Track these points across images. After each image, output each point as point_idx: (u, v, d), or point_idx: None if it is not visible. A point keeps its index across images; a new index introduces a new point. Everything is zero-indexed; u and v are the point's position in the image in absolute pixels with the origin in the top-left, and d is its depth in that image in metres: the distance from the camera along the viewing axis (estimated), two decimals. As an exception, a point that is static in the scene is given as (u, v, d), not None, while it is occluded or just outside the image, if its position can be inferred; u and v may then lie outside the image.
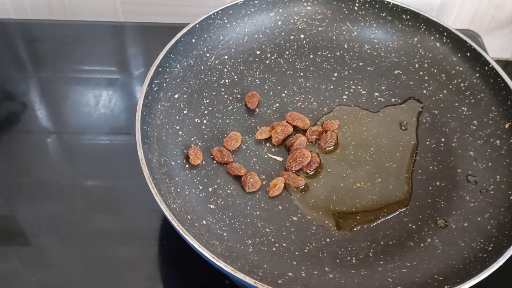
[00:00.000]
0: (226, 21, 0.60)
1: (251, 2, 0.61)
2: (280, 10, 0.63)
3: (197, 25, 0.58)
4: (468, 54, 0.59)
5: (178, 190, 0.50)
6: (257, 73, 0.61)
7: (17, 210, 0.56)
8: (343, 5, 0.63)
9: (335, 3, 0.63)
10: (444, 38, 0.60)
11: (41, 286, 0.51)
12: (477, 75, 0.58)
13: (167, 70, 0.56)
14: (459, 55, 0.59)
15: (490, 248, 0.47)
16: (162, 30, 0.74)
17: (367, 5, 0.62)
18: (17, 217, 0.55)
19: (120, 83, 0.67)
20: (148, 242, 0.54)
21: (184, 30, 0.57)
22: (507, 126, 0.54)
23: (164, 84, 0.55)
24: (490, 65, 0.57)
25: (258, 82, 0.60)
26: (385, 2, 0.61)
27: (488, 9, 0.78)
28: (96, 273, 0.52)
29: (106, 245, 0.54)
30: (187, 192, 0.51)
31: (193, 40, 0.58)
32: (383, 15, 0.62)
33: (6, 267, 0.52)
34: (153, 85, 0.54)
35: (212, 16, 0.59)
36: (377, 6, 0.62)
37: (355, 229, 0.51)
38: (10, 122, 0.63)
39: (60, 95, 0.66)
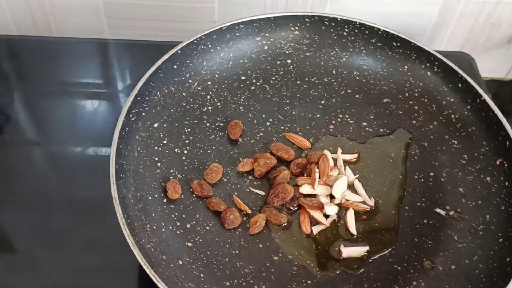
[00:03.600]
0: (210, 46, 0.58)
1: (236, 27, 0.59)
2: (267, 35, 0.61)
3: (179, 51, 0.56)
4: (460, 85, 0.57)
5: (154, 227, 0.48)
6: (242, 99, 0.59)
7: (1, 220, 0.55)
8: (332, 30, 0.61)
9: (323, 28, 0.61)
10: (435, 67, 0.58)
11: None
12: (468, 107, 0.56)
13: (147, 98, 0.54)
14: (450, 85, 0.57)
15: (478, 295, 0.45)
16: (149, 47, 0.73)
17: (356, 31, 0.60)
18: (2, 227, 0.55)
19: (105, 97, 0.67)
20: (132, 253, 0.52)
21: (165, 57, 0.55)
22: (498, 162, 0.53)
23: (143, 113, 0.53)
24: (482, 98, 0.55)
25: (242, 110, 0.58)
26: (375, 28, 0.60)
27: (484, 29, 0.77)
28: (83, 281, 0.51)
29: (91, 255, 0.53)
30: (163, 229, 0.49)
31: (175, 67, 0.56)
32: (373, 41, 0.60)
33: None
34: (131, 115, 0.52)
35: (195, 41, 0.57)
36: (367, 32, 0.60)
37: (337, 271, 0.49)
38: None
39: (45, 108, 0.65)
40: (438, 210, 0.52)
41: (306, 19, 0.61)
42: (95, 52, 0.73)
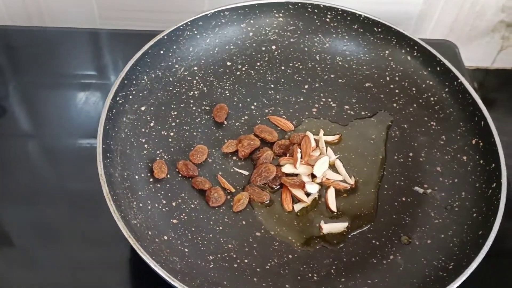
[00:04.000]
0: (195, 32, 0.60)
1: (222, 14, 0.60)
2: (252, 21, 0.62)
3: (165, 37, 0.58)
4: (438, 68, 0.58)
5: (140, 205, 0.50)
6: (227, 84, 0.60)
7: None
8: (315, 17, 0.63)
9: (307, 14, 0.62)
10: (415, 51, 0.60)
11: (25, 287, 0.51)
12: (446, 89, 0.58)
13: (134, 82, 0.55)
14: (429, 69, 0.59)
15: (451, 267, 0.47)
16: (140, 36, 0.74)
17: (339, 17, 0.62)
18: None
19: (98, 87, 0.68)
20: (128, 245, 0.53)
21: (152, 42, 0.57)
22: (473, 142, 0.54)
23: (130, 97, 0.55)
24: (459, 80, 0.56)
25: (227, 94, 0.60)
26: (357, 14, 0.61)
27: (468, 18, 0.78)
28: (79, 275, 0.52)
29: (88, 248, 0.54)
30: (149, 207, 0.50)
31: (161, 52, 0.58)
32: (355, 27, 0.62)
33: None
34: (118, 98, 0.53)
35: (181, 27, 0.59)
36: (349, 18, 0.62)
37: (318, 246, 0.50)
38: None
39: (38, 99, 0.66)
40: (416, 188, 0.54)
41: (290, 6, 0.62)
42: (87, 42, 0.74)
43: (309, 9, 0.62)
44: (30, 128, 0.64)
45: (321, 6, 0.62)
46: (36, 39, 0.72)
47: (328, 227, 0.51)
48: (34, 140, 0.63)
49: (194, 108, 0.58)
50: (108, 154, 0.50)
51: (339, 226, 0.51)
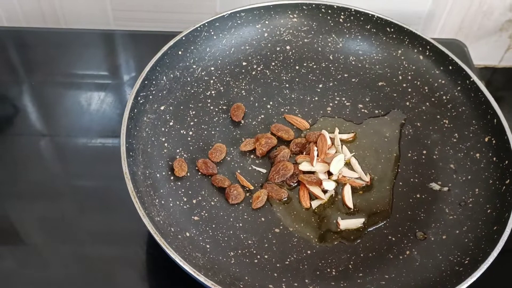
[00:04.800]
0: (212, 33, 0.61)
1: (238, 15, 0.62)
2: (267, 22, 0.63)
3: (184, 38, 0.59)
4: (450, 67, 0.59)
5: (163, 202, 0.51)
6: (243, 84, 0.62)
7: (10, 211, 0.57)
8: (328, 17, 0.64)
9: (320, 15, 0.64)
10: (427, 51, 0.61)
11: (35, 285, 0.52)
12: (459, 88, 0.59)
13: (153, 82, 0.57)
14: (441, 68, 0.60)
15: (467, 261, 0.48)
16: (153, 37, 0.75)
17: (352, 18, 0.63)
18: (10, 217, 0.57)
19: (112, 87, 0.69)
20: (138, 242, 0.55)
21: (171, 43, 0.58)
22: (486, 139, 0.55)
23: (150, 97, 0.56)
24: (471, 79, 0.57)
25: (244, 94, 0.61)
26: (370, 15, 0.62)
27: (476, 17, 0.79)
28: (88, 272, 0.53)
29: (98, 245, 0.55)
30: (171, 204, 0.52)
31: (180, 53, 0.59)
32: (368, 27, 0.63)
33: (1, 266, 0.53)
34: (139, 98, 0.54)
35: (199, 28, 0.60)
36: (362, 18, 0.63)
37: (335, 242, 0.52)
38: (3, 125, 0.64)
39: (52, 99, 0.67)
40: (432, 184, 0.55)
41: (304, 7, 0.63)
42: (101, 43, 0.75)
43: (322, 9, 0.63)
44: (43, 127, 0.65)
45: (335, 6, 0.63)
46: (50, 40, 0.74)
47: (345, 223, 0.53)
48: (47, 139, 0.64)
49: (211, 107, 0.60)
50: (131, 153, 0.51)
51: (355, 222, 0.53)
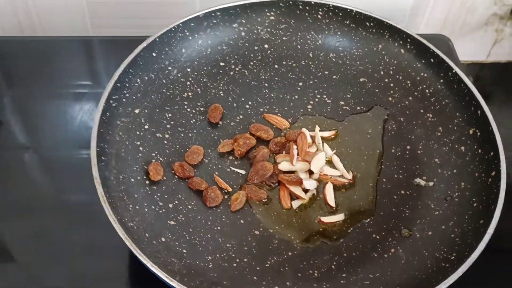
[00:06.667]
0: (187, 33, 0.60)
1: (213, 14, 0.60)
2: (243, 21, 0.62)
3: (157, 39, 0.57)
4: (432, 60, 0.58)
5: (137, 207, 0.49)
6: (221, 85, 0.60)
7: None
8: (306, 14, 0.62)
9: (298, 12, 0.62)
10: (408, 44, 0.60)
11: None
12: (441, 81, 0.57)
13: (127, 85, 0.55)
14: (423, 61, 0.59)
15: (453, 257, 0.47)
16: (134, 42, 0.73)
17: (330, 13, 0.62)
18: None
19: (93, 95, 0.67)
20: (127, 255, 0.53)
21: (144, 44, 0.56)
22: (471, 132, 0.54)
23: (124, 100, 0.55)
24: (454, 71, 0.56)
25: (222, 94, 0.60)
26: (348, 10, 0.61)
27: (460, 13, 0.78)
28: (79, 286, 0.52)
29: (87, 259, 0.53)
30: (146, 209, 0.50)
31: (154, 54, 0.58)
32: (347, 22, 0.62)
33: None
34: (111, 101, 0.53)
35: (173, 29, 0.58)
36: (340, 14, 0.61)
37: (317, 242, 0.50)
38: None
39: (34, 110, 0.65)
40: (417, 180, 0.54)
41: (281, 4, 0.62)
42: (80, 51, 0.74)
43: (300, 6, 0.62)
44: (26, 139, 0.64)
45: (312, 3, 0.61)
46: (29, 50, 0.72)
47: (327, 219, 0.51)
48: (31, 151, 0.62)
49: (188, 109, 0.58)
50: (102, 157, 0.49)
51: (337, 218, 0.51)
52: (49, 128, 0.64)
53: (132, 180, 0.51)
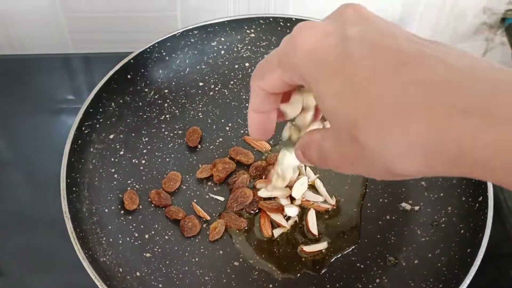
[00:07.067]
0: (164, 53, 0.58)
1: (190, 33, 0.58)
2: (222, 39, 0.60)
3: (132, 60, 0.56)
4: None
5: (111, 240, 0.48)
6: (200, 106, 0.58)
7: None
8: (288, 31, 0.59)
9: (279, 28, 0.60)
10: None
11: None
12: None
13: (100, 110, 0.53)
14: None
15: (439, 288, 0.45)
16: (116, 58, 0.72)
17: (312, 30, 0.59)
18: None
19: (75, 112, 0.65)
20: None
21: (117, 67, 0.54)
22: (458, 153, 0.52)
23: (97, 125, 0.53)
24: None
25: (200, 116, 0.58)
26: (331, 26, 0.59)
27: (449, 21, 0.76)
28: None
29: (75, 273, 0.50)
30: (120, 241, 0.48)
31: (129, 76, 0.56)
32: (330, 39, 0.59)
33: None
34: (83, 128, 0.51)
35: (149, 49, 0.57)
36: (322, 30, 0.59)
37: (299, 273, 0.48)
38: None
39: (15, 127, 0.65)
40: (403, 204, 0.52)
41: (261, 21, 0.60)
42: (61, 68, 0.72)
43: (281, 23, 0.60)
44: (8, 157, 0.63)
45: (293, 19, 0.59)
46: (8, 68, 0.71)
47: (310, 248, 0.49)
48: (13, 168, 0.61)
49: (166, 133, 0.56)
50: (74, 188, 0.47)
51: (319, 246, 0.49)
52: (30, 146, 0.63)
53: (106, 210, 0.49)
